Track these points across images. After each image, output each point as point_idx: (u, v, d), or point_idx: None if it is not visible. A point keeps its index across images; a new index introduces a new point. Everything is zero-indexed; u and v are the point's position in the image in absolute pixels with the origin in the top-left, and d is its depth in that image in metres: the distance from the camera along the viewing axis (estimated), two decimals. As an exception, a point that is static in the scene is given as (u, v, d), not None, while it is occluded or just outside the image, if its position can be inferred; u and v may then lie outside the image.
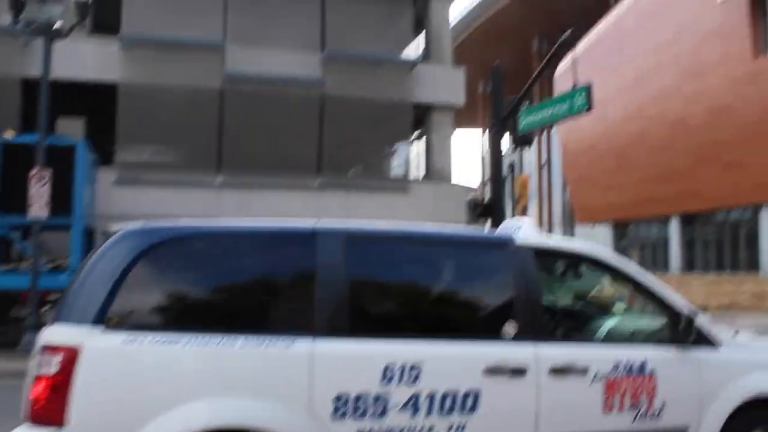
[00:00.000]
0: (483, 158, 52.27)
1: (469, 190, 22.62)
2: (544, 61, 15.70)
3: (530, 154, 45.40)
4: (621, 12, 45.59)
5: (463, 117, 42.60)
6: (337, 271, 3.43)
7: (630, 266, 4.12)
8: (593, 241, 47.10)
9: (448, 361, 3.49)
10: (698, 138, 38.32)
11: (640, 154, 43.07)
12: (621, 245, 46.01)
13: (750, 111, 35.16)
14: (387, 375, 3.29)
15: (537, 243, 3.93)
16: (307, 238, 3.52)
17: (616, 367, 3.75)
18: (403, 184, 18.49)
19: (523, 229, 4.00)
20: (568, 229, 47.24)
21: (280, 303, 3.54)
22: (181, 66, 17.15)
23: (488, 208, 16.01)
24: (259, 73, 17.39)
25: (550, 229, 42.50)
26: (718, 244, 39.33)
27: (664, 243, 43.00)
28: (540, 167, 48.48)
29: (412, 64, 18.59)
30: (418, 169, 20.37)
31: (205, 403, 3.11)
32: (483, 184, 46.07)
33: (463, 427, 3.41)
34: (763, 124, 34.31)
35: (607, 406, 3.70)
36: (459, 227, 4.11)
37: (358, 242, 3.60)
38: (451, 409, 3.40)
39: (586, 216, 47.82)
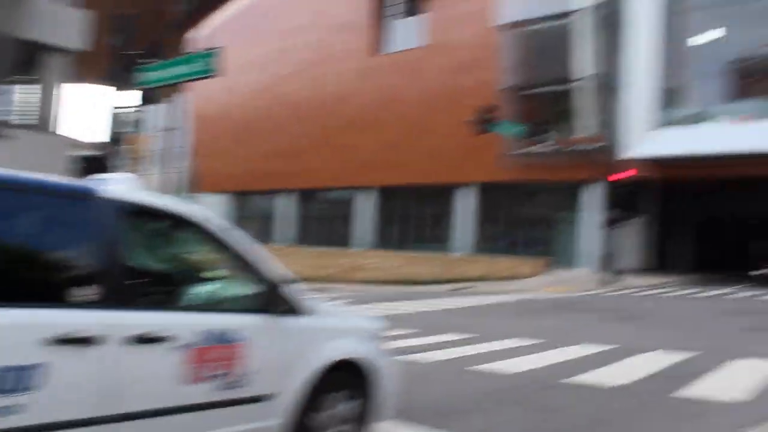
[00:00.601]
0: (110, 115, 49.20)
1: (80, 144, 20.88)
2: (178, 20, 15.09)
3: (159, 117, 43.94)
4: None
5: (93, 71, 39.54)
6: None
7: (228, 232, 3.93)
8: (215, 209, 47.42)
9: (3, 331, 2.89)
10: (320, 121, 40.91)
11: (266, 129, 44.54)
12: (241, 215, 47.11)
13: (362, 102, 38.62)
14: None
15: (126, 198, 3.44)
16: None
17: (203, 335, 3.53)
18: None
19: (113, 183, 3.55)
20: (191, 196, 46.86)
21: None
22: None
23: (98, 164, 14.95)
24: None
25: (171, 194, 41.71)
26: (327, 220, 42.52)
27: (283, 215, 45.10)
28: (168, 130, 47.21)
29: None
30: (21, 115, 18.11)
31: None
32: (104, 140, 43.45)
33: (25, 406, 2.86)
34: (371, 115, 37.92)
35: (193, 377, 3.46)
36: (37, 174, 3.40)
37: None
38: (9, 387, 2.83)
39: (211, 184, 47.98)
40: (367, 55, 39.30)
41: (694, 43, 28.37)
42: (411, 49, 37.21)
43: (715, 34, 27.98)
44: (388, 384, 4.61)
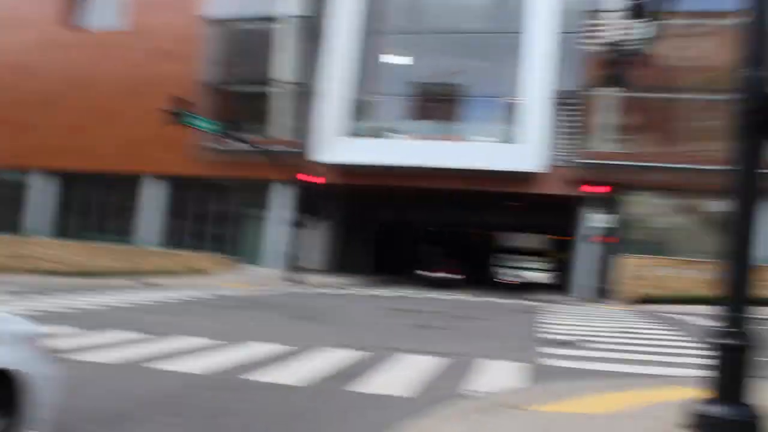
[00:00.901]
0: None
1: None
2: None
3: None
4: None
5: None
6: None
7: None
8: None
9: None
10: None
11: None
12: None
13: (47, 78, 35.35)
14: None
15: None
16: None
17: None
18: None
19: None
20: None
21: None
22: None
23: None
24: None
25: None
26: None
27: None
28: None
29: None
30: None
31: None
32: None
33: None
34: (57, 93, 34.89)
35: None
36: None
37: None
38: None
39: None
40: (56, 28, 36.08)
41: (386, 63, 30.62)
42: (110, 28, 34.92)
43: (404, 57, 30.57)
44: (44, 394, 4.16)
